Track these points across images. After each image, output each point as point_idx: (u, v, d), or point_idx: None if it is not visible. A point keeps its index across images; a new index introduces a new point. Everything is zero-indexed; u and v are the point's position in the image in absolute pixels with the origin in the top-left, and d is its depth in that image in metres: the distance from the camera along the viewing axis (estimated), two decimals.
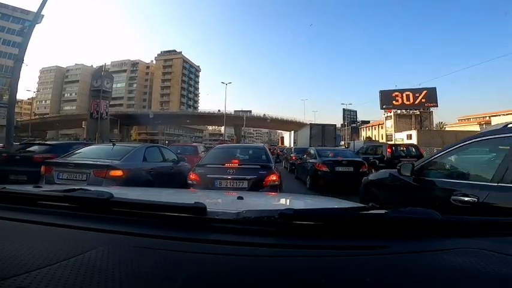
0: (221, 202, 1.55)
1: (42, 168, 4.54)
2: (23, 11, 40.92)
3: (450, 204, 2.34)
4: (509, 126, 2.50)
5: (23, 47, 9.72)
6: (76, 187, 1.09)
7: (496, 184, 2.12)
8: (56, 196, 0.94)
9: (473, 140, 2.66)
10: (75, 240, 0.67)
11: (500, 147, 2.35)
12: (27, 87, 79.04)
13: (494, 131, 2.68)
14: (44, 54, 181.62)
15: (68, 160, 4.63)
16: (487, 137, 2.56)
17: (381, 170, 4.13)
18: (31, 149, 7.18)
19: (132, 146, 5.42)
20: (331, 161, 8.22)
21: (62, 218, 0.81)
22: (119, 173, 4.27)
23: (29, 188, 1.18)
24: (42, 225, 0.77)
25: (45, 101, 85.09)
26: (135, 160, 4.92)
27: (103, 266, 0.55)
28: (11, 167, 6.18)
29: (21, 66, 9.50)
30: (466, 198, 2.24)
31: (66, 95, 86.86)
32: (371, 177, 4.10)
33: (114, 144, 5.40)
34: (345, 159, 8.53)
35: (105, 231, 0.73)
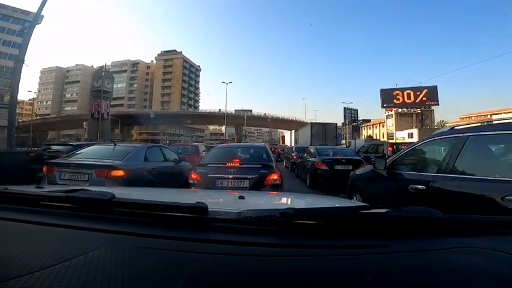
0: (222, 202, 1.56)
1: (44, 169, 4.57)
2: (23, 11, 40.88)
3: (409, 192, 2.86)
4: (454, 128, 3.04)
5: (23, 48, 9.70)
6: (78, 187, 1.09)
7: (437, 175, 2.71)
8: (58, 197, 0.94)
9: (428, 140, 3.28)
10: (78, 241, 0.67)
11: (446, 145, 2.89)
12: (28, 88, 79.05)
13: (443, 132, 3.32)
14: (44, 55, 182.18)
15: (70, 160, 4.65)
16: (438, 137, 3.12)
17: (366, 166, 4.47)
18: (57, 149, 8.03)
19: (134, 146, 5.44)
20: (331, 160, 8.29)
21: (64, 219, 0.82)
22: (120, 173, 4.29)
23: (31, 189, 1.18)
24: (45, 226, 0.78)
25: (46, 102, 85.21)
26: (137, 160, 4.94)
27: (106, 266, 0.55)
28: (39, 165, 6.66)
29: (21, 67, 9.49)
30: (419, 186, 2.78)
31: (67, 95, 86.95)
32: (357, 172, 4.53)
33: (115, 144, 5.43)
34: (344, 157, 8.60)
35: (108, 232, 0.73)
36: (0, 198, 0.97)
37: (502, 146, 2.62)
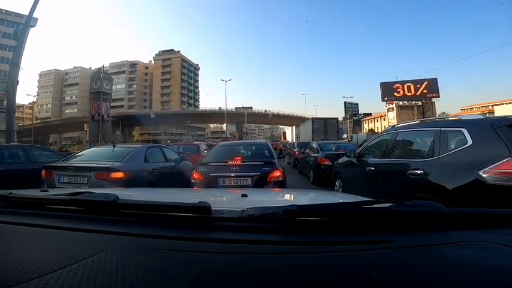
0: (225, 200, 1.55)
1: (43, 173, 4.49)
2: (16, 14, 40.47)
3: (367, 173, 3.88)
4: (395, 126, 4.02)
5: (17, 51, 9.56)
6: (82, 190, 1.10)
7: (380, 159, 3.78)
8: (62, 200, 0.95)
9: (381, 135, 4.44)
10: (85, 243, 0.67)
11: (389, 138, 3.85)
12: (27, 92, 79.15)
13: (388, 129, 4.45)
14: (42, 58, 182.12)
15: (69, 163, 4.58)
16: (386, 133, 4.22)
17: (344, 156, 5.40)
18: None
19: (133, 147, 5.35)
20: (334, 155, 8.14)
21: (70, 221, 0.82)
22: (119, 174, 4.22)
23: (36, 193, 1.19)
24: (51, 229, 0.78)
25: (46, 105, 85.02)
26: (136, 161, 4.85)
27: (113, 268, 0.55)
28: None
29: (17, 70, 9.31)
30: (371, 168, 3.82)
31: (66, 98, 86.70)
32: (338, 161, 5.47)
33: (114, 146, 5.33)
34: None
35: (113, 233, 0.73)
36: (5, 202, 0.99)
37: (412, 138, 3.61)
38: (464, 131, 2.65)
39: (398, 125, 4.01)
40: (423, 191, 2.74)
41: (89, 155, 5.09)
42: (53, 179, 4.31)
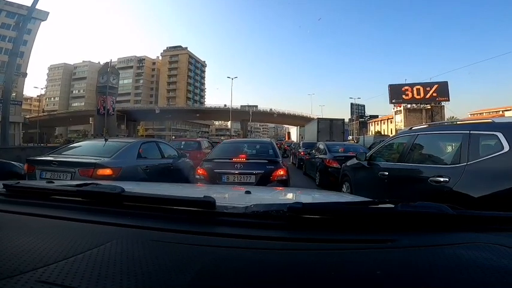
0: (229, 196, 1.56)
1: (25, 167, 4.16)
2: (27, 8, 40.68)
3: (379, 177, 3.65)
4: (413, 128, 3.77)
5: (17, 42, 9.25)
6: (88, 181, 1.10)
7: (396, 163, 3.57)
8: (69, 191, 0.96)
9: (396, 137, 4.44)
10: (90, 234, 0.68)
11: (405, 141, 3.63)
12: (35, 84, 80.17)
13: (404, 131, 4.28)
14: (52, 52, 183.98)
15: (53, 157, 4.20)
16: (401, 135, 4.06)
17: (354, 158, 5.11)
18: None
19: (126, 142, 4.97)
20: (343, 157, 7.67)
21: (76, 212, 0.83)
22: (107, 171, 3.83)
23: (42, 183, 1.24)
24: (57, 220, 0.79)
25: (54, 98, 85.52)
26: (128, 157, 4.45)
27: (117, 259, 0.56)
28: None
29: (16, 61, 9.04)
30: (385, 173, 3.59)
31: (74, 91, 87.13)
32: (348, 163, 5.19)
33: (106, 140, 4.94)
34: None
35: (118, 225, 0.74)
36: (13, 192, 0.99)
37: (434, 142, 3.36)
38: (500, 135, 2.42)
39: (418, 127, 3.74)
40: (446, 200, 2.44)
41: (78, 149, 4.73)
42: (35, 174, 3.95)
